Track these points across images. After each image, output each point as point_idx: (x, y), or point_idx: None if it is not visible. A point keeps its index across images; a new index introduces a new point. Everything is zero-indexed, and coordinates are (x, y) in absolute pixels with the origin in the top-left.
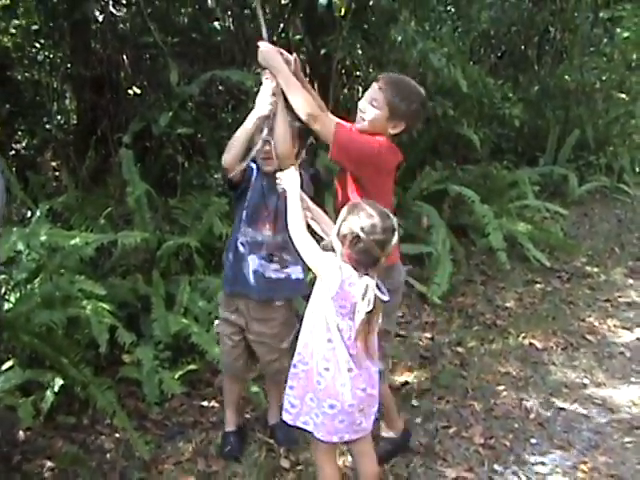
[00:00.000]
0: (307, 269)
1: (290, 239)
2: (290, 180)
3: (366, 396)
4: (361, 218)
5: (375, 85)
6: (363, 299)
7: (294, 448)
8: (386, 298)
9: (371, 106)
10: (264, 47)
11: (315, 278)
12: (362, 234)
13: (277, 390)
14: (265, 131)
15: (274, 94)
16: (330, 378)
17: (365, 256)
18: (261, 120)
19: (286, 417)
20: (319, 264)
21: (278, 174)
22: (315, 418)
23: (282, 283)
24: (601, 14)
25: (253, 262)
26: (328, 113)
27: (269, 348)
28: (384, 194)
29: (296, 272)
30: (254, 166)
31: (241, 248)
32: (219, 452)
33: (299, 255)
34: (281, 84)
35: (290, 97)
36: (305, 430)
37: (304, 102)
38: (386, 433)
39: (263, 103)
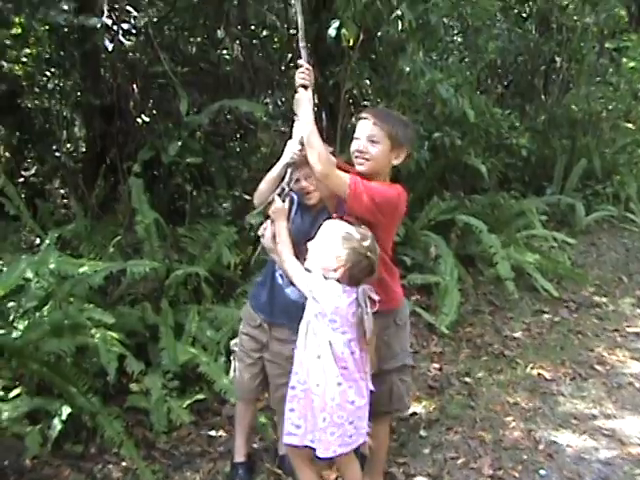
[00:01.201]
0: None
1: None
2: (278, 211)
3: (355, 409)
4: (361, 240)
5: (364, 123)
6: (365, 306)
7: None
8: (377, 297)
9: (371, 144)
10: (300, 94)
11: None
12: (370, 254)
13: None
14: (286, 178)
15: (300, 142)
16: (321, 393)
17: (369, 271)
18: (285, 167)
19: (291, 440)
20: (314, 287)
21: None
22: (297, 439)
23: None
24: (607, 44)
25: (293, 293)
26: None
27: (282, 371)
28: (391, 238)
29: None
30: (295, 199)
31: (279, 280)
32: None
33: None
34: (302, 132)
35: (308, 150)
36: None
37: (320, 159)
38: None
39: (288, 150)
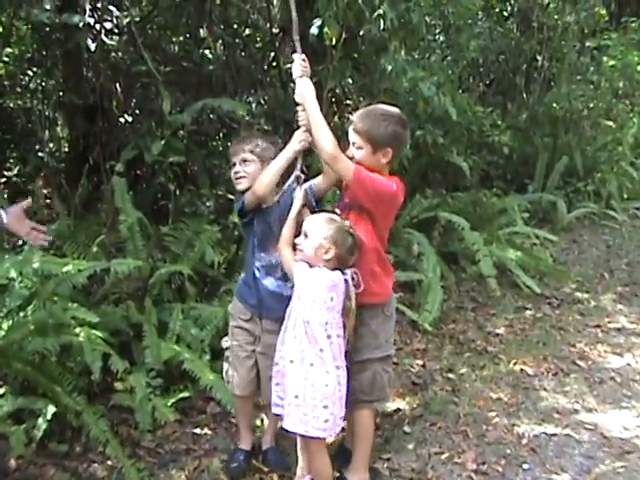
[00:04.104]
0: None
1: None
2: (297, 197)
3: (331, 394)
4: (342, 220)
5: (350, 128)
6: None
7: (286, 474)
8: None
9: (355, 149)
10: (302, 84)
11: None
12: (352, 230)
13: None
14: (299, 165)
15: (307, 130)
16: (294, 370)
17: (353, 250)
18: (295, 154)
19: (277, 410)
20: (297, 274)
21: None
22: (282, 410)
23: None
24: (587, 43)
25: (271, 284)
26: None
27: (272, 362)
28: (387, 230)
29: None
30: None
31: (257, 273)
32: (225, 466)
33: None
34: (310, 121)
35: (315, 135)
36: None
37: (329, 142)
38: (350, 477)
39: (296, 139)
